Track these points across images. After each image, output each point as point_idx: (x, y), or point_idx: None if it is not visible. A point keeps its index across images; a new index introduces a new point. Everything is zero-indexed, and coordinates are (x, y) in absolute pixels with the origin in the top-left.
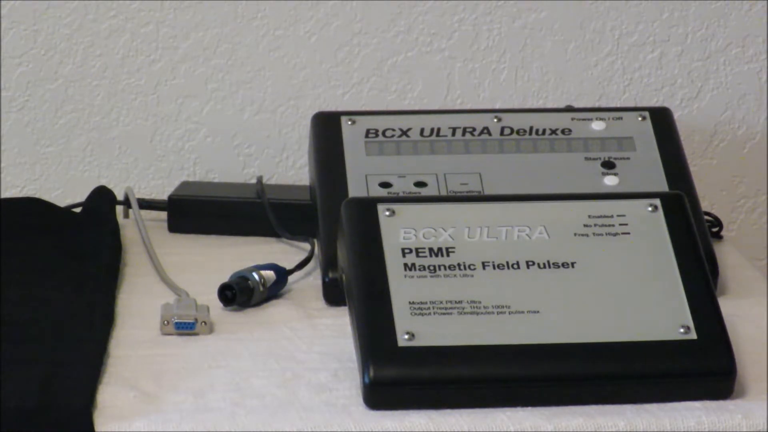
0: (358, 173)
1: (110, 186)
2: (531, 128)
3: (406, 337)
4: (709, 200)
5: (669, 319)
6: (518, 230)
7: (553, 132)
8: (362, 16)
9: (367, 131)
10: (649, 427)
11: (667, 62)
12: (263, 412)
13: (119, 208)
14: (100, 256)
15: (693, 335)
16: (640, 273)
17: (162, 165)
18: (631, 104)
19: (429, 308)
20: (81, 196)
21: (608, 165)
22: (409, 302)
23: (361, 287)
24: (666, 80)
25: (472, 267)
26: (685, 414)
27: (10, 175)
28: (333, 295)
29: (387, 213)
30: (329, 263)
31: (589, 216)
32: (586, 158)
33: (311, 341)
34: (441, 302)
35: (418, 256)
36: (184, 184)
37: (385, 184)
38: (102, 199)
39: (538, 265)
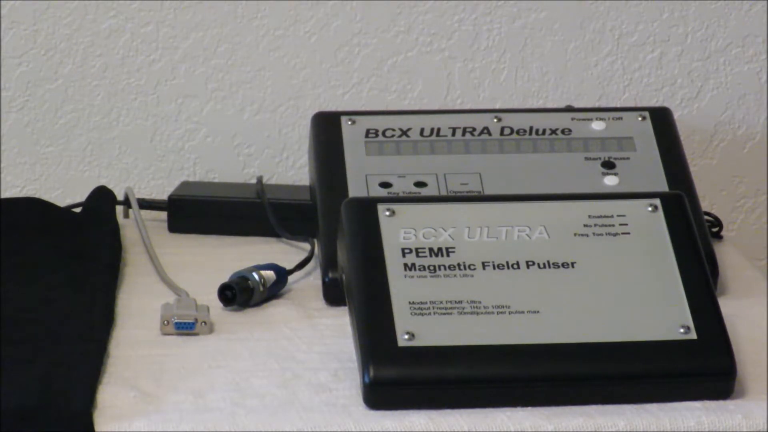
0: (358, 173)
1: (110, 186)
2: (531, 128)
3: (406, 337)
4: (709, 200)
5: (669, 319)
6: (518, 230)
7: (553, 132)
8: (362, 16)
9: (367, 131)
10: (649, 427)
11: (667, 62)
12: (263, 412)
13: (119, 208)
14: (100, 256)
15: (693, 335)
16: (640, 273)
17: (162, 165)
18: (631, 104)
19: (429, 308)
20: (81, 196)
21: (608, 165)
22: (409, 302)
23: (361, 287)
24: (666, 80)
25: (472, 267)
26: (685, 414)
27: (10, 175)
28: (333, 295)
29: (387, 213)
30: (329, 263)
31: (589, 216)
32: (586, 158)
33: (311, 341)
34: (441, 302)
35: (418, 256)
36: (184, 184)
37: (385, 184)
38: (102, 199)
39: (538, 265)
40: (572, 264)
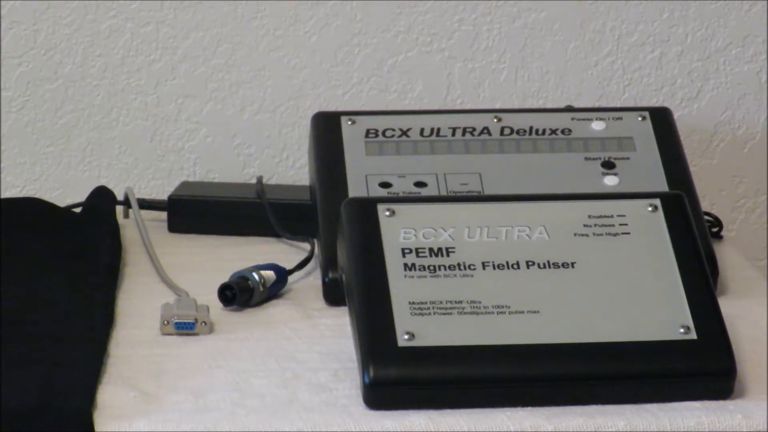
0: (358, 173)
1: (110, 186)
2: (531, 128)
3: (406, 337)
4: (709, 200)
5: (669, 319)
6: (518, 230)
7: (553, 132)
8: (362, 16)
9: (367, 131)
10: (649, 427)
11: (667, 62)
12: (263, 412)
13: (119, 208)
14: (100, 256)
15: (693, 335)
16: (640, 273)
17: (162, 165)
18: (631, 104)
19: (429, 308)
20: (81, 196)
21: (608, 165)
22: (409, 302)
23: (361, 287)
24: (666, 80)
25: (472, 267)
26: (685, 414)
27: (10, 175)
28: (333, 295)
29: (387, 213)
30: (329, 263)
31: (589, 216)
32: (586, 158)
33: (311, 341)
34: (441, 302)
35: (418, 256)
36: (184, 184)
37: (385, 184)
38: (102, 199)
39: (538, 265)
40: (572, 264)
